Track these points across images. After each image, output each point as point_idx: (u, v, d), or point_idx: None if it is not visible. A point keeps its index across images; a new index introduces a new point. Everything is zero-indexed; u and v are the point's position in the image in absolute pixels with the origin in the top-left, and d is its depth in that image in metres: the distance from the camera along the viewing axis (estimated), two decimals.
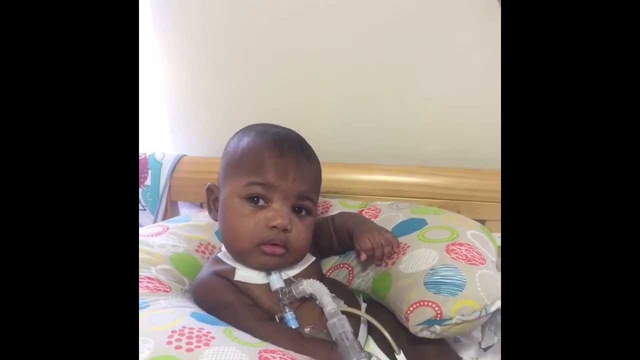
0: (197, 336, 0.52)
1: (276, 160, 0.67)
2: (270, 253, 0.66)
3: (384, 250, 0.71)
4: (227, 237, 0.70)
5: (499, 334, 0.72)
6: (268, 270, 0.69)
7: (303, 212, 0.70)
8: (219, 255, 0.73)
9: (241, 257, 0.69)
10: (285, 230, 0.66)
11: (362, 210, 0.91)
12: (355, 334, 0.64)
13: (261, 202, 0.67)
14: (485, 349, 0.74)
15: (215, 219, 0.74)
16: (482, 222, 0.89)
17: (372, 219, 0.86)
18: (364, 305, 0.74)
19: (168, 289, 0.68)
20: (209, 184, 0.74)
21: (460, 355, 0.70)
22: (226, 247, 0.72)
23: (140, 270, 0.70)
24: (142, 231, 0.85)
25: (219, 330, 0.55)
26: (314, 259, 0.74)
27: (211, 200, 0.74)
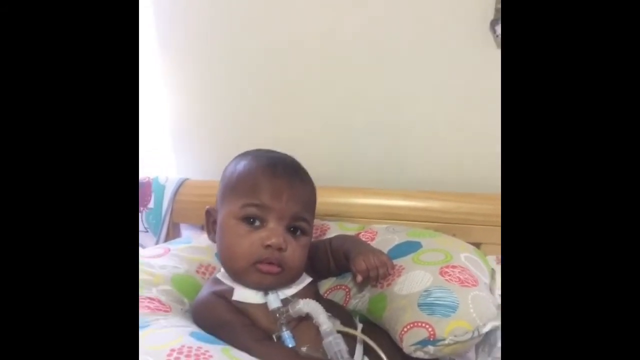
0: (195, 354, 0.54)
1: (270, 181, 0.70)
2: (265, 271, 0.68)
3: (378, 271, 0.72)
4: (224, 256, 0.72)
5: (492, 354, 0.73)
6: (265, 289, 0.70)
7: (298, 232, 0.72)
8: (218, 275, 0.74)
9: (238, 276, 0.70)
10: (280, 249, 0.68)
11: (360, 233, 0.93)
12: (352, 354, 0.65)
13: (257, 223, 0.70)
14: None
15: (214, 241, 0.76)
16: (478, 245, 0.90)
17: (369, 242, 0.87)
18: (360, 326, 0.75)
19: (168, 309, 0.69)
20: (207, 207, 0.77)
21: None
22: (223, 266, 0.74)
23: (141, 290, 0.71)
24: (144, 252, 0.87)
25: (217, 349, 0.56)
26: (310, 279, 0.76)
27: (210, 223, 0.76)
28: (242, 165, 0.74)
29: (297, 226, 0.72)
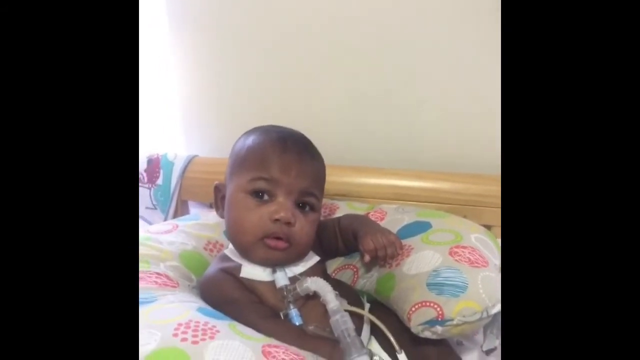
0: (202, 329, 0.53)
1: (280, 156, 0.69)
2: (273, 247, 0.68)
3: (386, 251, 0.72)
4: (232, 231, 0.72)
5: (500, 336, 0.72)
6: (272, 265, 0.70)
7: (307, 208, 0.71)
8: (226, 252, 0.74)
9: (245, 251, 0.70)
10: (288, 223, 0.68)
11: (369, 213, 0.92)
12: (359, 333, 0.65)
13: (265, 197, 0.69)
14: (487, 352, 0.74)
15: (222, 217, 0.75)
16: (488, 227, 0.89)
17: (378, 222, 0.86)
18: (367, 306, 0.75)
19: (176, 285, 0.69)
20: (216, 182, 0.76)
21: (463, 358, 0.71)
22: (231, 241, 0.73)
23: (149, 266, 0.71)
24: (152, 229, 0.87)
25: (224, 325, 0.56)
26: (318, 258, 0.75)
27: (218, 199, 0.76)
28: (251, 139, 0.73)
29: (306, 201, 0.71)
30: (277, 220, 0.67)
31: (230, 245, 0.74)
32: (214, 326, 0.55)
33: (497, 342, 0.74)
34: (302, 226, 0.69)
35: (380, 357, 0.65)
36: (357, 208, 0.96)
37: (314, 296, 0.66)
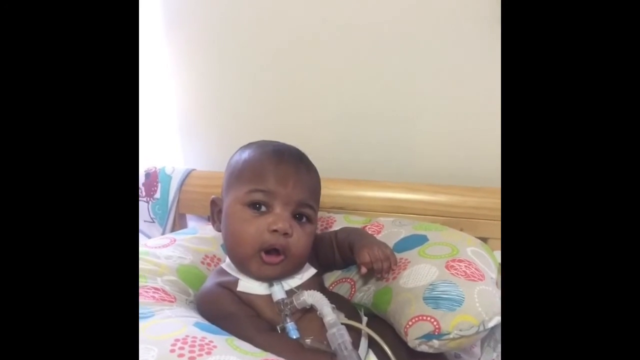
0: (199, 345, 0.54)
1: (276, 168, 0.70)
2: (268, 262, 0.68)
3: (382, 264, 0.72)
4: (230, 243, 0.72)
5: (498, 349, 0.72)
6: (269, 280, 0.70)
7: (304, 220, 0.72)
8: (223, 266, 0.74)
9: (242, 264, 0.70)
10: (285, 234, 0.68)
11: (366, 226, 0.92)
12: (356, 347, 0.65)
13: (262, 208, 0.70)
14: None
15: (219, 230, 0.76)
16: (485, 240, 0.89)
17: (375, 235, 0.87)
18: (365, 319, 0.75)
19: (173, 299, 0.69)
20: (213, 196, 0.77)
21: None
22: (229, 254, 0.74)
23: (146, 280, 0.71)
24: (150, 243, 0.87)
25: (221, 340, 0.56)
26: (315, 271, 0.76)
27: (215, 212, 0.77)
28: (247, 153, 0.74)
29: (303, 213, 0.72)
30: (274, 231, 0.67)
31: (227, 259, 0.75)
32: (211, 341, 0.55)
33: (495, 355, 0.74)
34: (299, 237, 0.70)
35: None
36: (354, 221, 0.96)
37: (310, 309, 0.66)
